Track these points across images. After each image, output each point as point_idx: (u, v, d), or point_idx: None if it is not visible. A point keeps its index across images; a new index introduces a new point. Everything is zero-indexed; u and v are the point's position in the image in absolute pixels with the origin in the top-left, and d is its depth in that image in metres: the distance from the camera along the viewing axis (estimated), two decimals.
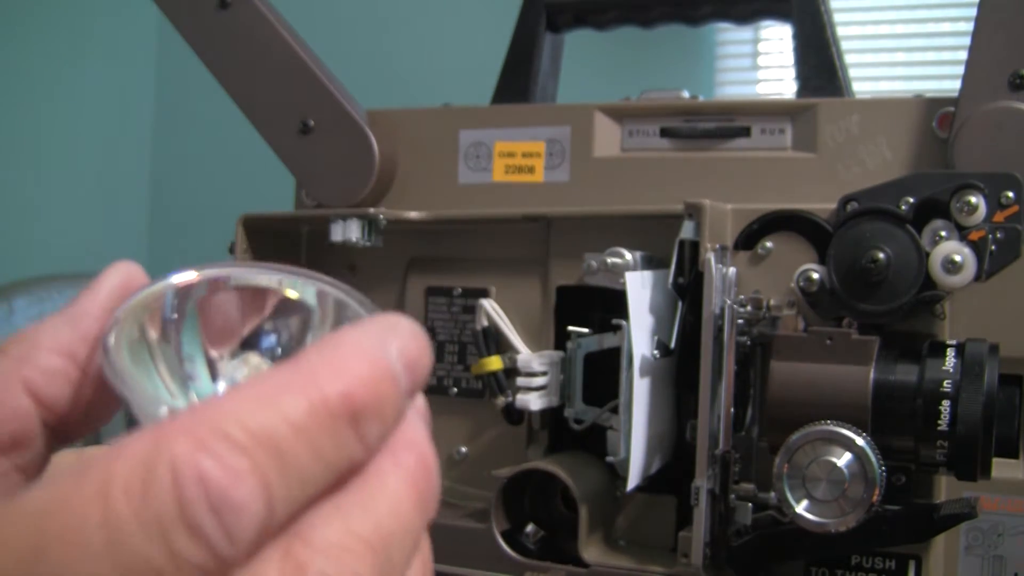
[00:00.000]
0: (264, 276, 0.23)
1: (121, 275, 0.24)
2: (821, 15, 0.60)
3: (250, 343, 0.23)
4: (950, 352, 0.48)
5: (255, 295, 0.23)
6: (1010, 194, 0.49)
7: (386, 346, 0.20)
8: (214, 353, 0.23)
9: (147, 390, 0.21)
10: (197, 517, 0.16)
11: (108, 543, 0.16)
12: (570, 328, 0.57)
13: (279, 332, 0.23)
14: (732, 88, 1.96)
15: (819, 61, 0.60)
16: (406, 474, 0.20)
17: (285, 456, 0.18)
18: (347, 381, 0.19)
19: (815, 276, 0.52)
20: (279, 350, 0.23)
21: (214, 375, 0.23)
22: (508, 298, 0.62)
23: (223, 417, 0.17)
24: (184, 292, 0.22)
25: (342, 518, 0.19)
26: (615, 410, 0.53)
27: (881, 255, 0.49)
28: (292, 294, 0.23)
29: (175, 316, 0.22)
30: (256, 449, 0.17)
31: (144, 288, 0.22)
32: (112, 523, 0.16)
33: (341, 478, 0.19)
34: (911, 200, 0.50)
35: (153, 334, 0.22)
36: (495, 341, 0.61)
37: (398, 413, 0.20)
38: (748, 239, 0.54)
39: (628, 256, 0.55)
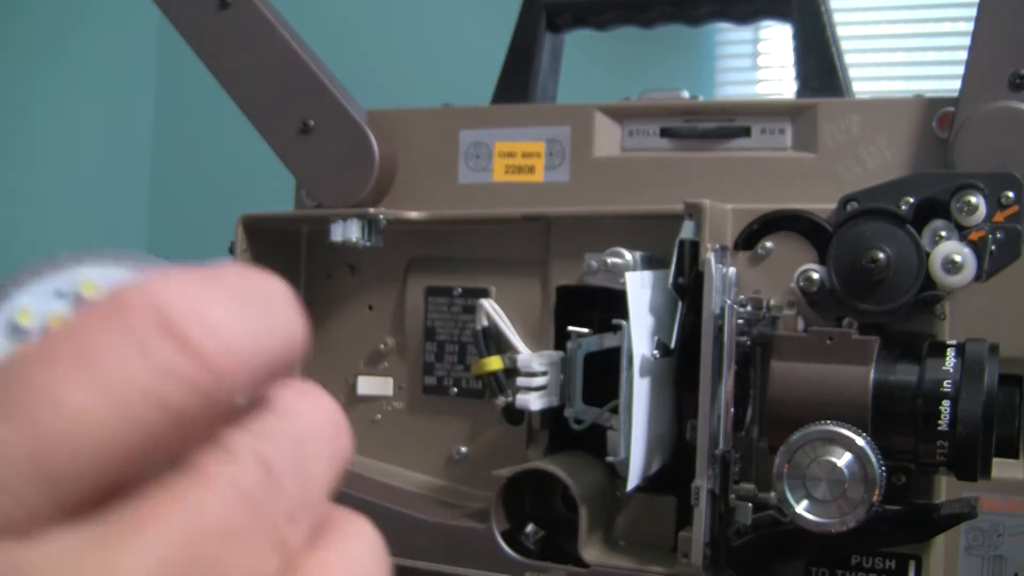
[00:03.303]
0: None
1: None
2: (821, 15, 0.60)
3: None
4: (950, 352, 0.48)
5: None
6: (1010, 194, 0.49)
7: None
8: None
9: None
10: (178, 325, 0.16)
11: (83, 364, 0.16)
12: (570, 328, 0.57)
13: None
14: (732, 88, 1.96)
15: (819, 61, 0.60)
16: (315, 406, 0.19)
17: (254, 309, 0.17)
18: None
19: (815, 276, 0.52)
20: None
21: None
22: (508, 298, 0.62)
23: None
24: None
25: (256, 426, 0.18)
26: (615, 410, 0.53)
27: (881, 255, 0.49)
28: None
29: None
30: (228, 286, 0.17)
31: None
32: (85, 345, 0.16)
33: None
34: (911, 200, 0.50)
35: None
36: (495, 341, 0.61)
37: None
38: (748, 239, 0.54)
39: (628, 256, 0.55)
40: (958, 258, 0.48)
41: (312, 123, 0.63)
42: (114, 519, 0.16)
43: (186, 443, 0.17)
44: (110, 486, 0.16)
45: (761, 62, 1.97)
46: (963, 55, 0.53)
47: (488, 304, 0.61)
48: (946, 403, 0.47)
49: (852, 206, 0.51)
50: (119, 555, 0.16)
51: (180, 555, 0.16)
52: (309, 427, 0.19)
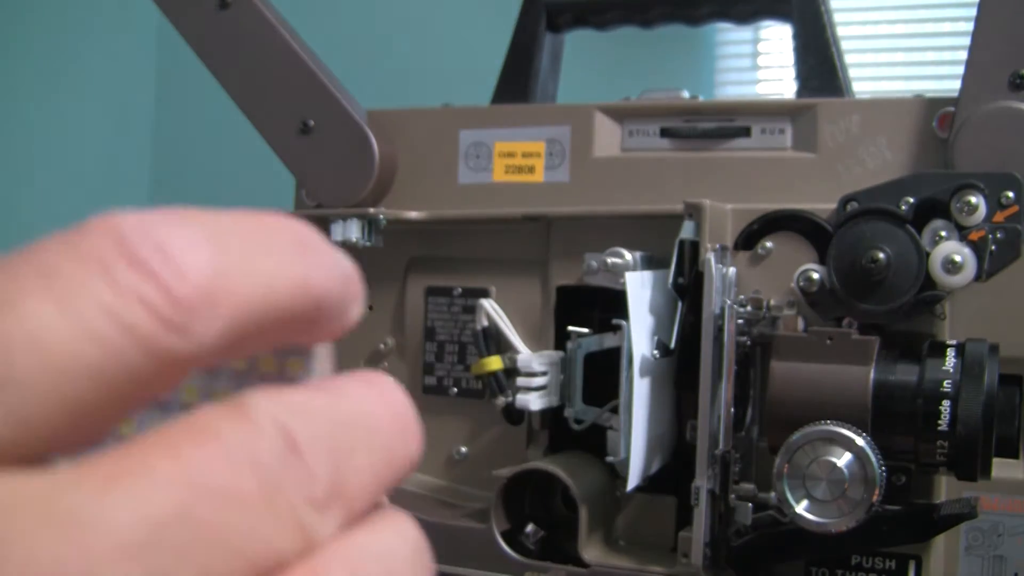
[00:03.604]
0: None
1: None
2: (821, 15, 0.60)
3: None
4: (950, 352, 0.48)
5: None
6: (1010, 194, 0.49)
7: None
8: None
9: None
10: (138, 251, 0.14)
11: (44, 279, 0.14)
12: (570, 328, 0.57)
13: None
14: (732, 88, 1.96)
15: (819, 61, 0.60)
16: (377, 392, 0.17)
17: (236, 239, 0.16)
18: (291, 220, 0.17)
19: (815, 276, 0.52)
20: None
21: None
22: (508, 298, 0.62)
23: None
24: None
25: (295, 394, 0.16)
26: (615, 410, 0.53)
27: (881, 255, 0.49)
28: None
29: None
30: (207, 224, 0.16)
31: None
32: (45, 265, 0.14)
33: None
34: (911, 200, 0.50)
35: None
36: (495, 341, 0.61)
37: (342, 272, 0.17)
38: (748, 239, 0.55)
39: (628, 256, 0.55)
40: (958, 258, 0.48)
41: (312, 123, 0.63)
42: (91, 464, 0.14)
43: (169, 389, 0.15)
44: (86, 428, 0.14)
45: (761, 62, 1.97)
46: (963, 55, 0.53)
47: (488, 304, 0.61)
48: (946, 403, 0.47)
49: (852, 206, 0.51)
50: (90, 504, 0.13)
51: (167, 513, 0.14)
52: (362, 415, 0.17)
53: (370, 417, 0.17)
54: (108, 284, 0.14)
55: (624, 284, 0.51)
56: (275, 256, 0.16)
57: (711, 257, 0.51)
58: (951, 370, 0.47)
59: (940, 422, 0.47)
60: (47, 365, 0.14)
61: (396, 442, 0.17)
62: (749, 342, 0.52)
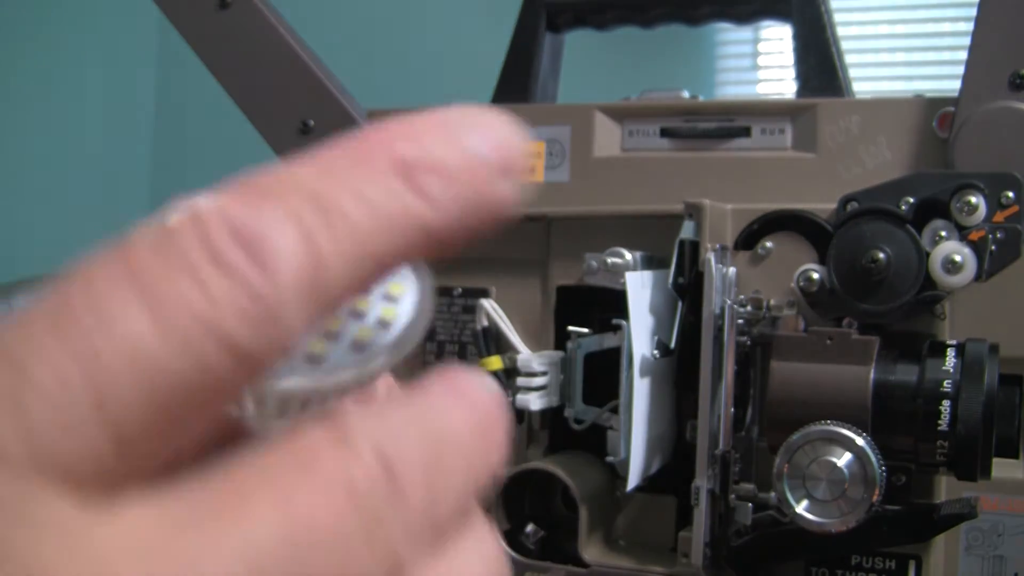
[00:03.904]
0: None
1: None
2: (821, 15, 0.60)
3: None
4: (950, 352, 0.48)
5: None
6: (1010, 194, 0.49)
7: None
8: None
9: None
10: (225, 253, 0.14)
11: (133, 289, 0.14)
12: (570, 328, 0.57)
13: None
14: (732, 88, 1.96)
15: (819, 61, 0.60)
16: (464, 402, 0.17)
17: (325, 201, 0.15)
18: (396, 135, 0.16)
19: (815, 276, 0.52)
20: None
21: None
22: (508, 298, 0.62)
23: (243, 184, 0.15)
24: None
25: (391, 411, 0.16)
26: (615, 410, 0.53)
27: (881, 255, 0.49)
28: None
29: None
30: (288, 196, 0.15)
31: None
32: (135, 271, 0.14)
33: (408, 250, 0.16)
34: (911, 200, 0.50)
35: None
36: (495, 341, 0.61)
37: (470, 183, 0.16)
38: (748, 239, 0.54)
39: (628, 256, 0.55)
40: (958, 258, 0.48)
41: (312, 123, 0.63)
42: (193, 498, 0.14)
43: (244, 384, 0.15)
44: (178, 439, 0.14)
45: (761, 62, 1.97)
46: (963, 55, 0.53)
47: (488, 304, 0.61)
48: (946, 403, 0.47)
49: (852, 206, 0.51)
50: (193, 545, 0.13)
51: (269, 553, 0.13)
52: (451, 431, 0.16)
53: (459, 432, 0.16)
54: (200, 291, 0.14)
55: (624, 284, 0.51)
56: (374, 211, 0.15)
57: (711, 257, 0.51)
58: (951, 370, 0.47)
59: (940, 422, 0.47)
60: (146, 380, 0.14)
61: (482, 458, 0.17)
62: (749, 342, 0.52)
